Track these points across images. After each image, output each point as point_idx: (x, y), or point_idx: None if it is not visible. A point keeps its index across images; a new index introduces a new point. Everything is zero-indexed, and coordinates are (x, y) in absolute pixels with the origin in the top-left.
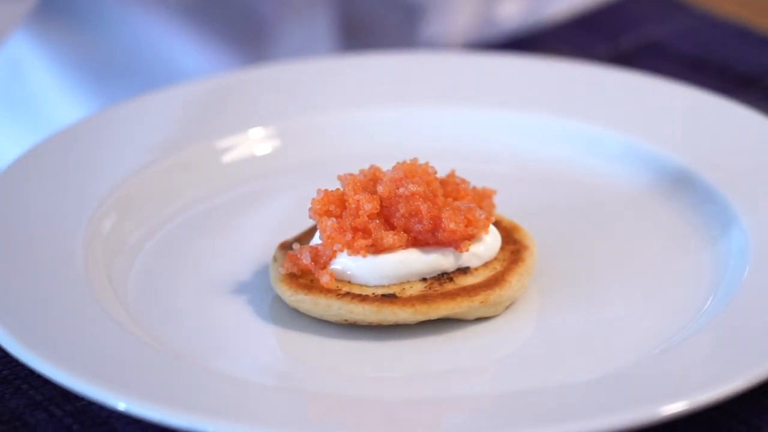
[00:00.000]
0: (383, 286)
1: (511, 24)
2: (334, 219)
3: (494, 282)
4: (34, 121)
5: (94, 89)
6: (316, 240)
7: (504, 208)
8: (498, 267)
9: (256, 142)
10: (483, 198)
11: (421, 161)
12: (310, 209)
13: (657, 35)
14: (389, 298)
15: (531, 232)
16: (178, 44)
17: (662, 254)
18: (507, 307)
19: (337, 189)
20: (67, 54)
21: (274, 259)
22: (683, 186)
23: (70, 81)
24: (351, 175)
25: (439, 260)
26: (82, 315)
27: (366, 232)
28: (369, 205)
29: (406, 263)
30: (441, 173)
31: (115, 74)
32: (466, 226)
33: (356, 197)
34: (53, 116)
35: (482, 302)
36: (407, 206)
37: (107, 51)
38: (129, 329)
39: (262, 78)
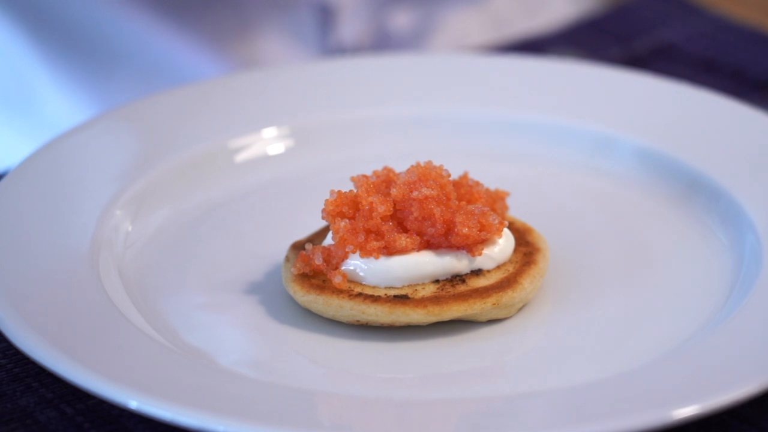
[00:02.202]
0: (395, 288)
1: (404, 33)
2: (347, 220)
3: (507, 284)
4: (29, 116)
5: (84, 80)
6: (328, 240)
7: (517, 209)
8: (510, 269)
9: (269, 142)
10: (496, 200)
11: (435, 163)
12: (323, 210)
13: (670, 38)
14: (401, 299)
15: (544, 234)
16: (158, 32)
17: (675, 257)
18: (519, 309)
19: (351, 190)
20: (55, 46)
21: (287, 259)
22: (696, 189)
23: (60, 71)
24: (364, 176)
25: (452, 263)
26: (93, 313)
27: (379, 234)
28: (382, 207)
29: (418, 265)
30: (454, 175)
31: (104, 66)
32: (480, 231)
33: (370, 199)
34: (46, 106)
35: (494, 304)
36: (420, 210)
37: (95, 43)
38: (140, 328)
39: (276, 78)
